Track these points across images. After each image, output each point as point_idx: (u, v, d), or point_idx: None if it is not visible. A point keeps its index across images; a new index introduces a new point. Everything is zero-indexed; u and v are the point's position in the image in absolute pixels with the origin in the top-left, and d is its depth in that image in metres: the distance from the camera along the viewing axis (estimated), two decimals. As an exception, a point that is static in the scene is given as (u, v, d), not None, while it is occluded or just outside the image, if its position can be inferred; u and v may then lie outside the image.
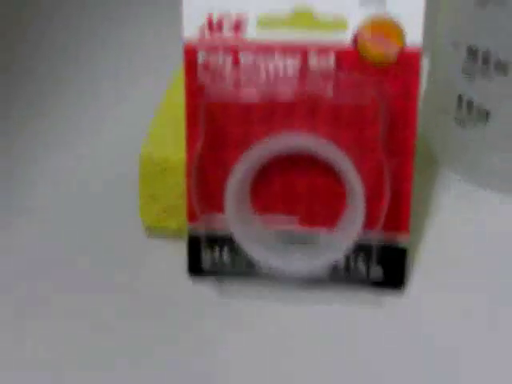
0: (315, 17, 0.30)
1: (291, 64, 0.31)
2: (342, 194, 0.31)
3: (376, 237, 0.31)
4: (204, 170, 0.32)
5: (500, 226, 0.36)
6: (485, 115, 0.36)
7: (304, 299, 0.32)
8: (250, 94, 0.31)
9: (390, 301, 0.32)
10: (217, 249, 0.32)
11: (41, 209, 0.37)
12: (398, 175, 0.31)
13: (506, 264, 0.34)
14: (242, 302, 0.32)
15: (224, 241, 0.32)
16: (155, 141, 0.34)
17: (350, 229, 0.30)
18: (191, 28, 0.31)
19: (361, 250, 0.31)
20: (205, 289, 0.33)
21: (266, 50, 0.31)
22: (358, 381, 0.30)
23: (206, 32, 0.31)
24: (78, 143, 0.42)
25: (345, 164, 0.30)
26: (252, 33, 0.31)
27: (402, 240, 0.32)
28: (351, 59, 0.31)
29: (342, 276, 0.32)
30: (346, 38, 0.30)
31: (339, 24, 0.30)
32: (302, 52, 0.31)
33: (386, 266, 0.32)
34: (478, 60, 0.35)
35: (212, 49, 0.31)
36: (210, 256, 0.32)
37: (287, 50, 0.31)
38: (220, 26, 0.31)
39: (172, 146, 0.33)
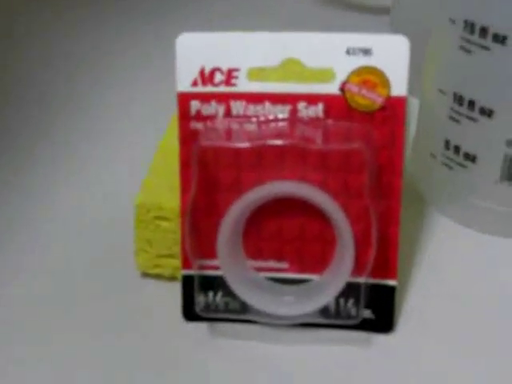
0: (304, 69, 0.31)
1: (281, 113, 0.32)
2: (333, 239, 0.32)
3: (364, 281, 0.32)
4: (197, 215, 0.32)
5: (488, 265, 0.37)
6: (471, 158, 0.37)
7: (294, 339, 0.33)
8: (241, 141, 0.32)
9: (379, 341, 0.33)
10: (211, 293, 0.33)
11: (38, 249, 0.38)
12: (386, 220, 0.32)
13: (495, 304, 0.35)
14: (234, 343, 0.33)
15: (218, 285, 0.33)
16: (149, 188, 0.35)
17: (340, 274, 0.31)
18: (185, 78, 0.32)
19: (350, 292, 0.32)
20: (198, 330, 0.33)
21: (257, 99, 0.32)
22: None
23: (199, 83, 0.32)
24: (76, 185, 0.43)
25: (334, 210, 0.31)
26: (243, 84, 0.32)
27: (391, 283, 0.33)
28: (339, 108, 0.32)
29: (332, 317, 0.33)
30: (333, 87, 0.32)
31: (327, 75, 0.31)
32: (292, 101, 0.32)
33: (374, 309, 0.33)
34: (464, 105, 0.36)
35: (204, 98, 0.32)
36: (203, 300, 0.33)
37: (277, 99, 0.32)
38: (212, 77, 0.32)
39: (166, 193, 0.34)
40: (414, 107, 0.43)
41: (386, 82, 0.31)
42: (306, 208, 0.32)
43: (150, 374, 0.32)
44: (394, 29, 0.50)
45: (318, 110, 0.32)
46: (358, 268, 0.31)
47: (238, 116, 0.32)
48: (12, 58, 0.55)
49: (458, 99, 0.36)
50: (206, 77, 0.32)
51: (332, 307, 0.32)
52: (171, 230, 0.34)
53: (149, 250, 0.35)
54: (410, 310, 0.34)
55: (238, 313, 0.33)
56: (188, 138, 0.32)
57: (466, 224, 0.39)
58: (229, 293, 0.32)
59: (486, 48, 0.34)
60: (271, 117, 0.32)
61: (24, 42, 0.57)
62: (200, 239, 0.32)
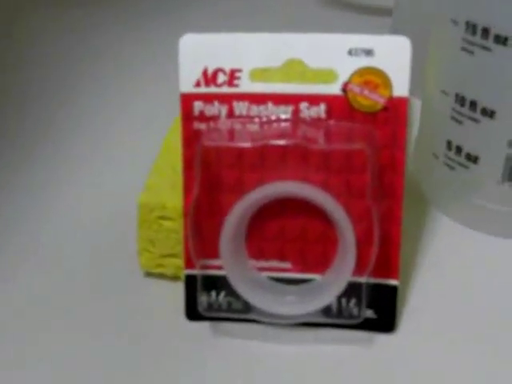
0: (306, 70, 0.32)
1: (283, 113, 0.32)
2: (335, 239, 0.32)
3: (366, 281, 0.32)
4: (200, 215, 0.33)
5: (489, 266, 0.37)
6: (473, 159, 0.37)
7: (296, 339, 0.33)
8: (244, 141, 0.32)
9: (381, 340, 0.33)
10: (213, 293, 0.33)
11: (40, 248, 0.38)
12: (387, 220, 0.32)
13: (496, 304, 0.35)
14: (237, 342, 0.33)
15: (220, 285, 0.33)
16: (152, 188, 0.35)
17: (342, 274, 0.31)
18: (188, 79, 0.32)
19: (352, 292, 0.32)
20: (201, 329, 0.34)
21: (259, 100, 0.32)
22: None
23: (202, 84, 0.32)
24: (79, 184, 0.43)
25: (336, 210, 0.31)
26: (245, 85, 0.32)
27: (393, 282, 0.33)
28: (341, 108, 0.32)
29: (334, 317, 0.33)
30: (336, 88, 0.32)
31: (329, 76, 0.32)
32: (294, 102, 0.32)
33: (377, 309, 0.33)
34: (466, 106, 0.36)
35: (207, 99, 0.32)
36: (206, 300, 0.33)
37: (279, 100, 0.32)
38: (215, 78, 0.32)
39: (169, 193, 0.34)
40: (416, 108, 0.43)
41: (387, 83, 0.31)
42: (308, 208, 0.32)
43: (151, 373, 0.32)
44: (396, 30, 0.50)
45: (320, 110, 0.32)
46: (359, 268, 0.32)
47: (240, 116, 0.32)
48: (13, 57, 0.55)
49: (460, 100, 0.36)
50: (209, 77, 0.32)
51: (334, 307, 0.33)
52: (174, 230, 0.34)
53: (152, 249, 0.35)
54: (412, 309, 0.34)
55: (241, 312, 0.33)
56: (191, 138, 0.32)
57: (468, 224, 0.39)
58: (231, 292, 0.32)
59: (487, 49, 0.34)
60: (273, 117, 0.32)
61: (25, 42, 0.57)
62: (203, 239, 0.33)
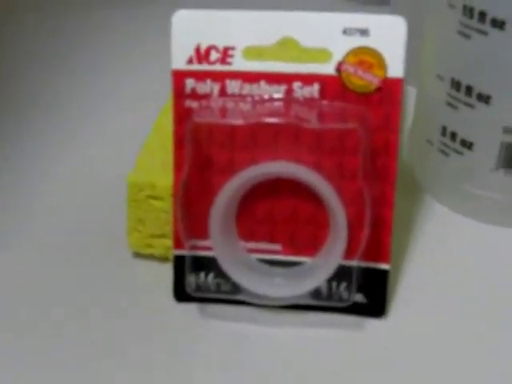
0: (300, 49, 0.31)
1: (276, 92, 0.31)
2: (325, 222, 0.32)
3: (357, 264, 0.32)
4: (190, 195, 0.32)
5: (481, 252, 0.37)
6: (468, 145, 0.36)
7: (285, 322, 0.33)
8: (236, 120, 0.32)
9: (371, 325, 0.33)
10: (202, 274, 0.33)
11: (28, 227, 0.38)
12: (379, 203, 0.32)
13: (488, 290, 0.35)
14: (224, 324, 0.33)
15: (209, 266, 0.32)
16: (142, 167, 0.34)
17: (332, 256, 0.31)
18: (180, 57, 0.32)
19: (342, 275, 0.32)
20: (189, 310, 0.33)
21: (252, 78, 0.31)
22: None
23: (194, 61, 0.32)
24: (68, 163, 0.42)
25: (327, 191, 0.31)
26: (238, 63, 0.31)
27: (383, 267, 0.32)
28: (335, 88, 0.31)
29: (325, 300, 0.32)
30: (330, 68, 0.31)
31: (323, 55, 0.31)
32: (287, 81, 0.31)
33: (367, 293, 0.33)
34: (461, 91, 0.36)
35: (199, 77, 0.32)
36: (195, 281, 0.33)
37: (272, 79, 0.31)
38: (207, 55, 0.32)
39: (159, 172, 0.34)
40: (411, 95, 0.43)
41: (382, 63, 0.31)
42: (299, 190, 0.32)
43: (137, 354, 0.32)
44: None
45: (314, 90, 0.31)
46: (350, 251, 0.31)
47: (233, 95, 0.32)
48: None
49: (456, 85, 0.36)
50: (202, 55, 0.32)
51: (324, 290, 0.32)
52: (164, 210, 0.34)
53: (141, 229, 0.34)
54: (403, 294, 0.34)
55: (229, 294, 0.33)
56: (182, 116, 0.32)
57: (461, 211, 0.38)
58: (220, 274, 0.32)
59: (484, 33, 0.33)
60: (266, 96, 0.32)
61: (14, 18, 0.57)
62: (192, 219, 0.32)
